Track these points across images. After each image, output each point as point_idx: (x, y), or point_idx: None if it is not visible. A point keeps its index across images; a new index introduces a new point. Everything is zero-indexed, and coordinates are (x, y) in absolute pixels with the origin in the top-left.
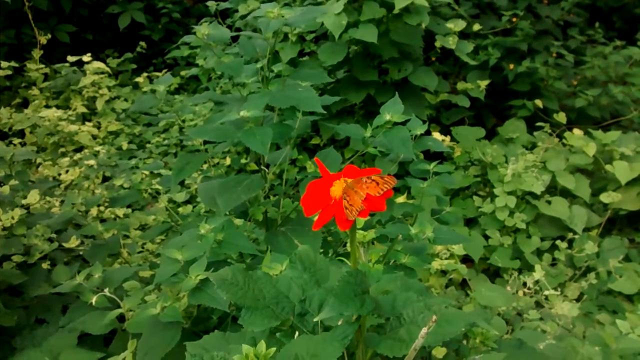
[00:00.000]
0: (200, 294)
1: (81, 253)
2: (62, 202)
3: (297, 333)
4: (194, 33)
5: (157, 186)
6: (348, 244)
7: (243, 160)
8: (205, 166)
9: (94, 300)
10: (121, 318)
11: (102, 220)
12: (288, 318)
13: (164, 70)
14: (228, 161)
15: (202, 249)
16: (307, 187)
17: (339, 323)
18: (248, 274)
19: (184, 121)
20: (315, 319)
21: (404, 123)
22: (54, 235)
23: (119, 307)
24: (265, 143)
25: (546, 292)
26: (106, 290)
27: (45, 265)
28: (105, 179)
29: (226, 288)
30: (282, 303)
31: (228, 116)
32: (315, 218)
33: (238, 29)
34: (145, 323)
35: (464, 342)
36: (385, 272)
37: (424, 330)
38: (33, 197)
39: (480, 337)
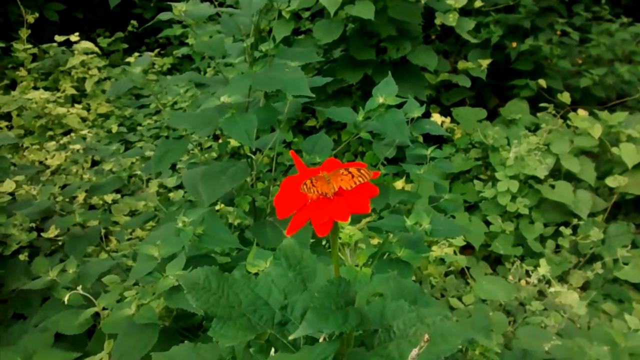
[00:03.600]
0: (177, 295)
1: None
2: (43, 186)
3: (273, 349)
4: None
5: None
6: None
7: (235, 143)
8: (196, 150)
9: (66, 298)
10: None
11: (91, 207)
12: (265, 330)
13: (156, 50)
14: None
15: (180, 243)
16: (281, 185)
17: (321, 339)
18: (223, 277)
19: (173, 104)
20: (290, 338)
21: (400, 105)
22: (33, 225)
23: (94, 304)
24: (250, 132)
25: (552, 290)
26: (79, 287)
27: (22, 257)
28: (95, 163)
29: (197, 294)
30: (260, 310)
31: (208, 102)
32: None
33: (230, 7)
34: (120, 323)
35: (462, 350)
36: (378, 269)
37: (415, 351)
38: (9, 185)
39: (480, 348)
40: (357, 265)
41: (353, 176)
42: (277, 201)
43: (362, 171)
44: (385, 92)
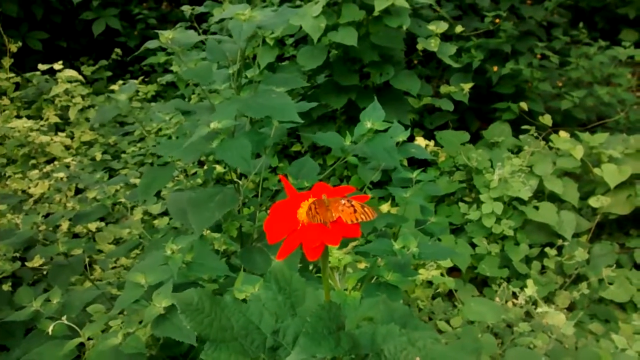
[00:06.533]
0: (164, 324)
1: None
2: (25, 215)
3: None
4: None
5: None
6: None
7: (220, 169)
8: (181, 176)
9: (50, 329)
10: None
11: (75, 235)
12: (258, 355)
13: (140, 77)
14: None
15: (168, 271)
16: (270, 209)
17: None
18: (215, 300)
19: (158, 131)
20: None
21: (386, 130)
22: (16, 254)
23: (79, 335)
24: (247, 157)
25: (539, 310)
26: (64, 318)
27: (6, 287)
28: (79, 191)
29: (190, 315)
30: (252, 335)
31: (199, 131)
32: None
33: (214, 34)
34: (106, 353)
35: None
36: (367, 293)
37: None
38: None
39: None
40: (345, 289)
41: (356, 211)
42: (267, 226)
43: (366, 209)
44: (372, 117)
